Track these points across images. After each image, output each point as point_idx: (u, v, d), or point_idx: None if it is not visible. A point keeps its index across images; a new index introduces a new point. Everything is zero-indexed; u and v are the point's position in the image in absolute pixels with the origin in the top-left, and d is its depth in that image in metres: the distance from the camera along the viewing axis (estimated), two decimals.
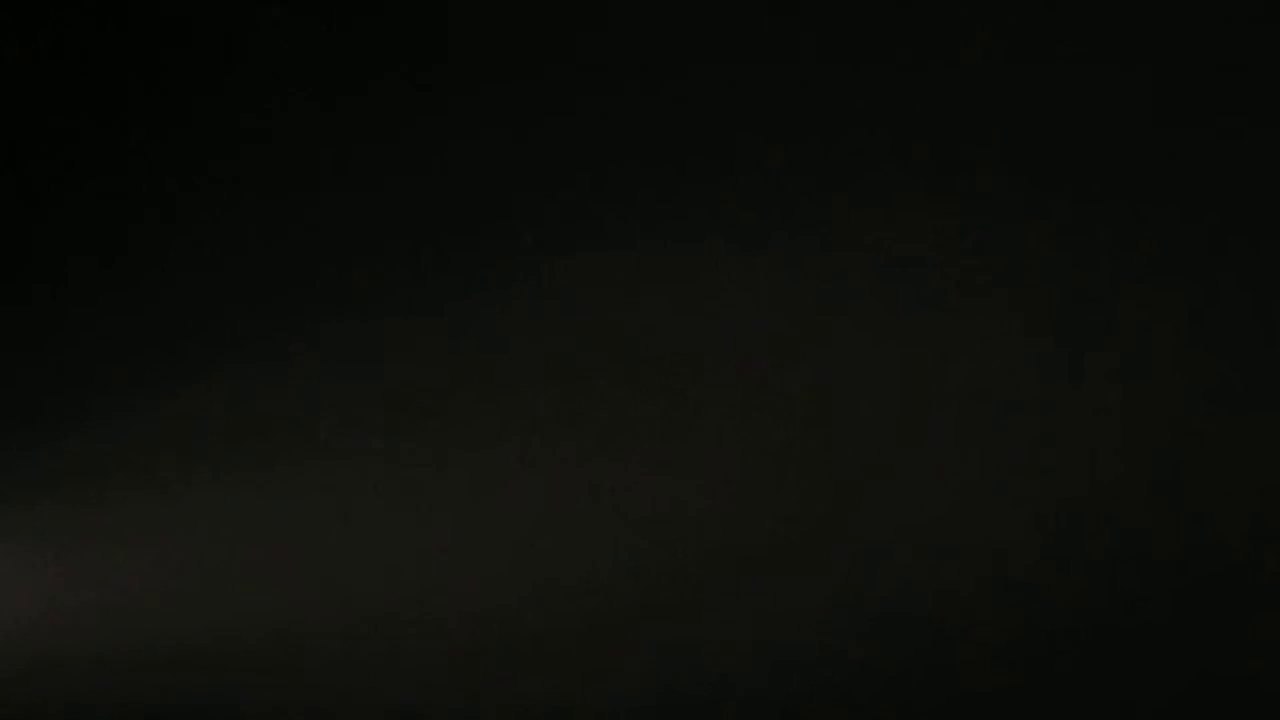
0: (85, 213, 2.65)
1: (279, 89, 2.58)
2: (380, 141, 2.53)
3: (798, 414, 2.36)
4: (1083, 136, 2.27)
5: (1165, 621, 2.23)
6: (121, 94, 2.63)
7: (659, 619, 2.40)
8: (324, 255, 2.55)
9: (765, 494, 2.37)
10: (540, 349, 2.46)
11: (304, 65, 2.57)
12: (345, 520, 2.52)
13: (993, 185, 2.30)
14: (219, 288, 2.58)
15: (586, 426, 2.43)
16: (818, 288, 2.36)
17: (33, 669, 2.59)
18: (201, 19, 2.59)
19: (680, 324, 2.40)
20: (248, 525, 2.55)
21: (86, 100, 2.65)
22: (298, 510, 2.53)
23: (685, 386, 2.40)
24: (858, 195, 2.34)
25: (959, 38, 2.32)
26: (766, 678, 2.37)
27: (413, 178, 2.52)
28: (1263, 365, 2.21)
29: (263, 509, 2.54)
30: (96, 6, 2.63)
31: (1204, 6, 2.23)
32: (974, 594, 2.29)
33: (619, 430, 2.42)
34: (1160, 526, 2.23)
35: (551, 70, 2.47)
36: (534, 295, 2.46)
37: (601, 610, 2.42)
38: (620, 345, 2.43)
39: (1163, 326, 2.24)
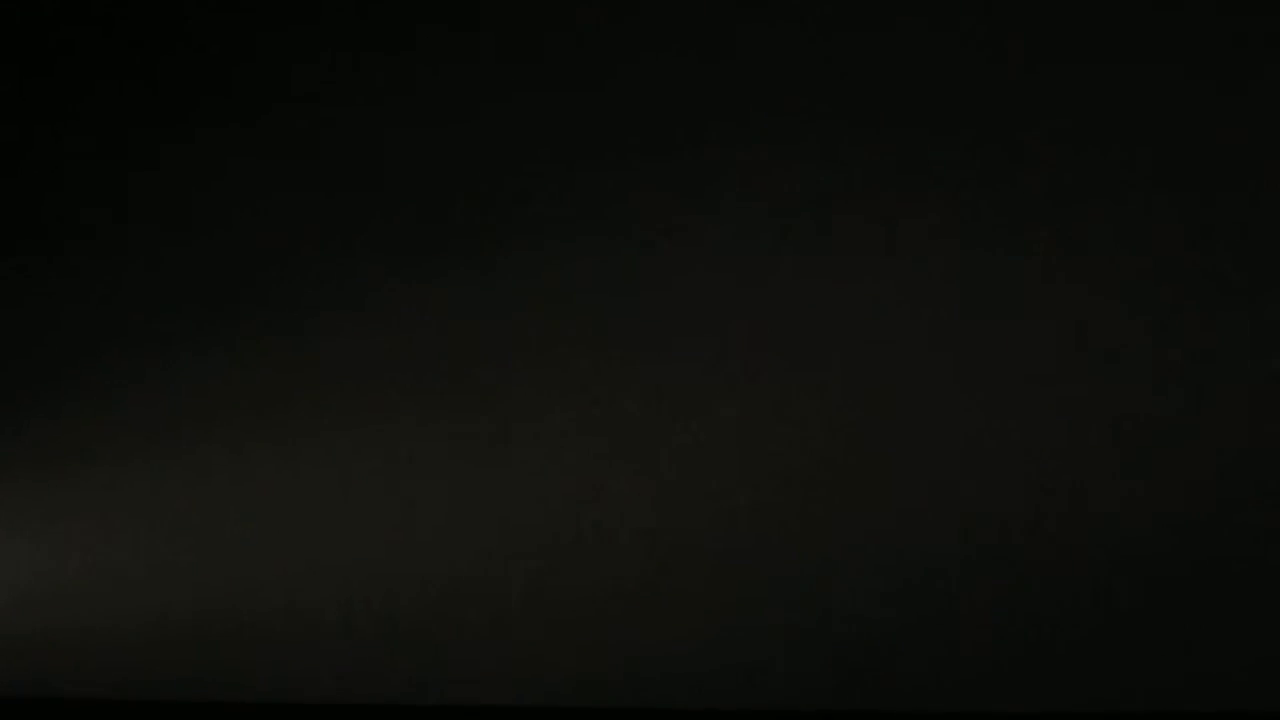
0: (71, 194, 2.63)
1: (269, 75, 2.58)
2: (376, 127, 2.54)
3: (799, 405, 2.39)
4: (1087, 135, 2.30)
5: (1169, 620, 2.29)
6: (112, 82, 2.62)
7: (659, 600, 2.43)
8: (320, 235, 2.54)
9: (763, 485, 2.40)
10: (540, 329, 2.48)
11: (293, 54, 2.58)
12: (343, 496, 2.53)
13: (998, 188, 2.33)
14: (215, 266, 2.57)
15: (588, 410, 2.45)
16: (821, 281, 2.38)
17: (25, 644, 2.59)
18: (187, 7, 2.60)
19: (684, 313, 2.43)
20: (244, 502, 2.55)
21: (72, 86, 2.63)
22: (295, 488, 2.53)
23: (687, 373, 2.43)
24: (857, 191, 2.37)
25: (958, 35, 2.34)
26: (764, 665, 2.41)
27: (415, 160, 2.52)
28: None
29: (259, 487, 2.54)
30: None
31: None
32: (974, 585, 2.33)
33: (620, 414, 2.44)
34: (1158, 526, 2.28)
35: (545, 63, 2.48)
36: (538, 278, 2.48)
37: (602, 589, 2.45)
38: (622, 330, 2.45)
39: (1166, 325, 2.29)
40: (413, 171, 2.52)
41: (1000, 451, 2.32)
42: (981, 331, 2.33)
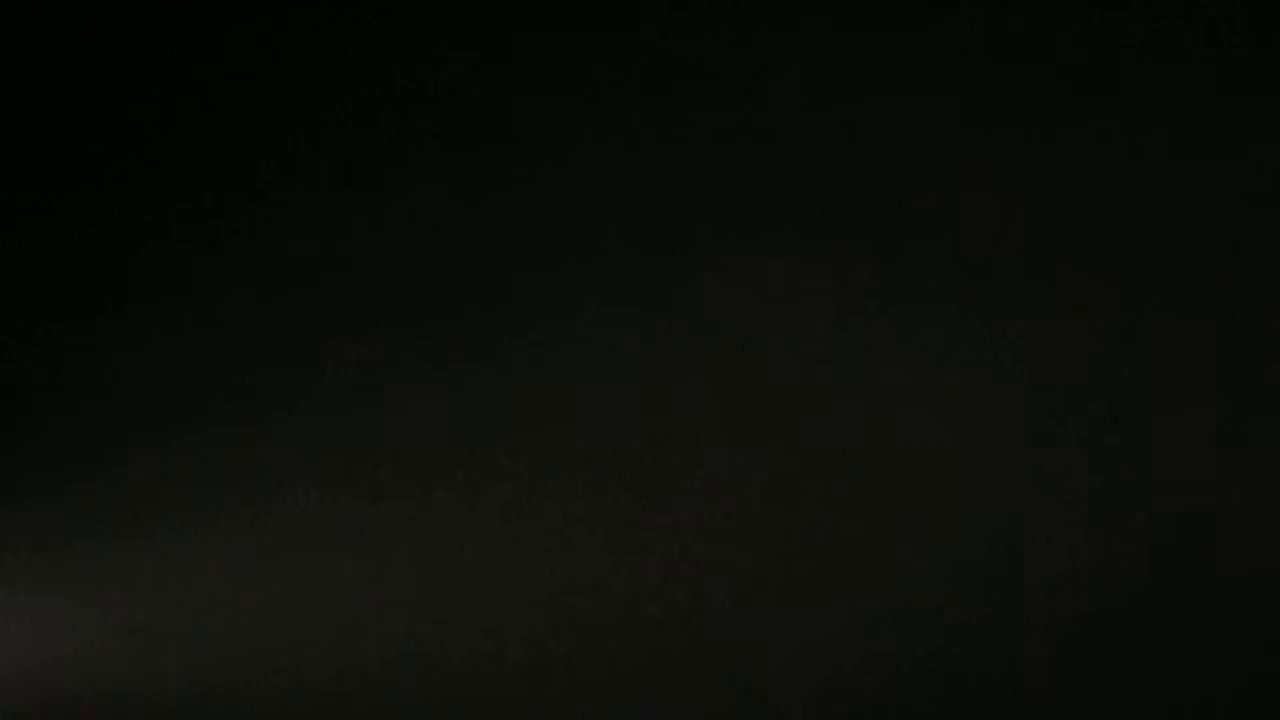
0: (88, 268, 2.65)
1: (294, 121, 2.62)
2: (393, 185, 2.57)
3: (804, 454, 2.39)
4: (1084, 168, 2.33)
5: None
6: (135, 144, 2.65)
7: (668, 657, 2.42)
8: (327, 299, 2.57)
9: (770, 532, 2.40)
10: (547, 396, 2.49)
11: (323, 104, 2.62)
12: (350, 564, 2.52)
13: (994, 229, 2.36)
14: (219, 336, 2.59)
15: (595, 471, 2.46)
16: (827, 328, 2.40)
17: (39, 712, 2.57)
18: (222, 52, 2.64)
19: (696, 366, 2.44)
20: (249, 571, 2.54)
21: (97, 154, 2.67)
22: (302, 555, 2.53)
23: (696, 429, 2.43)
24: (859, 240, 2.40)
25: (956, 74, 2.39)
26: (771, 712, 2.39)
27: (424, 222, 2.55)
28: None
29: (265, 556, 2.53)
30: (115, 51, 2.66)
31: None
32: (978, 624, 2.33)
33: (628, 474, 2.45)
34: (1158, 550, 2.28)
35: (561, 123, 2.52)
36: (540, 342, 2.49)
37: (610, 652, 2.44)
38: (629, 389, 2.46)
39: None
40: (429, 230, 2.55)
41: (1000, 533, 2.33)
42: (978, 402, 2.35)
